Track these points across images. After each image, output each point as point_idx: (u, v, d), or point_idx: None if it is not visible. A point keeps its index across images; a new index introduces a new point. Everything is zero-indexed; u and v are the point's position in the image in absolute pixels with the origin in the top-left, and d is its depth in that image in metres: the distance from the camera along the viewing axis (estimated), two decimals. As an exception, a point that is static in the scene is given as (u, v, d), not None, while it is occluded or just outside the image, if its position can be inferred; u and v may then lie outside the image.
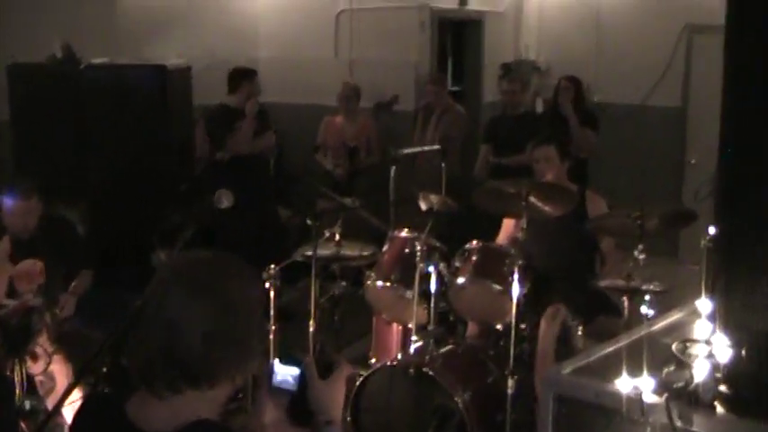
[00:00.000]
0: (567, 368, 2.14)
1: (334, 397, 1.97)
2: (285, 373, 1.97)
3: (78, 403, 2.04)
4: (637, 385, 1.99)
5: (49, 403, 4.34)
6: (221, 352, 1.82)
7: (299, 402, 1.96)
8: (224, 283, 1.86)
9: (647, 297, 4.06)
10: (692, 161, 8.26)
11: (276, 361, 1.97)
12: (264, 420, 1.92)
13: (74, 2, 7.12)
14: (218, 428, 1.87)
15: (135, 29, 7.55)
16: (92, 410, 2.00)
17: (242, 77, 6.96)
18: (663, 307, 3.85)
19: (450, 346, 4.53)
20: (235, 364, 1.86)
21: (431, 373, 4.14)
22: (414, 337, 4.47)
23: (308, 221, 4.81)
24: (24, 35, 6.68)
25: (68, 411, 4.23)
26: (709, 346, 2.22)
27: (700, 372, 2.11)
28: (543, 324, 3.25)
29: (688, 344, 2.31)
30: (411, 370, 4.20)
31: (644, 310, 4.04)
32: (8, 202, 4.87)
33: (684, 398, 2.00)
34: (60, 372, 4.38)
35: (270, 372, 1.97)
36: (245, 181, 6.56)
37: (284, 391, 1.96)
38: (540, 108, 8.69)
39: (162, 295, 1.84)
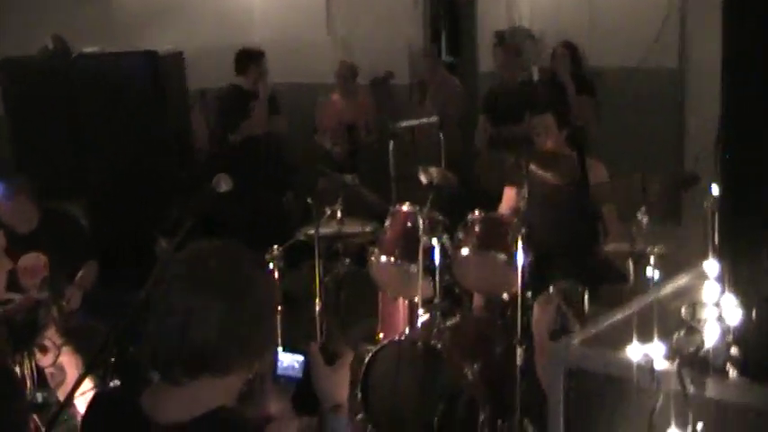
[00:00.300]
0: (576, 339, 2.13)
1: (339, 383, 1.98)
2: (290, 361, 1.97)
3: (89, 399, 2.04)
4: (647, 353, 1.98)
5: (60, 395, 4.35)
6: (238, 339, 1.83)
7: (304, 390, 1.96)
8: (237, 272, 1.87)
9: (651, 260, 4.06)
10: (693, 123, 8.21)
11: (280, 350, 1.97)
12: (269, 410, 1.92)
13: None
14: (235, 416, 1.88)
15: (129, 18, 7.53)
16: (104, 406, 2.00)
17: (249, 59, 6.98)
18: (668, 270, 3.85)
19: (456, 319, 4.53)
20: (251, 350, 1.87)
21: (439, 346, 4.14)
22: (420, 312, 4.47)
23: (309, 201, 4.80)
24: (17, 29, 6.66)
25: (80, 402, 4.27)
26: (719, 309, 2.21)
27: (710, 336, 2.09)
28: (536, 309, 3.25)
29: (697, 307, 2.29)
30: (419, 345, 4.20)
31: (649, 273, 4.05)
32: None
33: (696, 363, 1.99)
34: (70, 363, 4.39)
35: (274, 361, 1.97)
36: (258, 163, 6.60)
37: (289, 378, 1.96)
38: (536, 76, 8.64)
39: (175, 286, 1.84)
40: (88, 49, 6.43)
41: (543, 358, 3.11)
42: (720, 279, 2.28)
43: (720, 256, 2.36)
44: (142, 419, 1.86)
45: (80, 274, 4.98)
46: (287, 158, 7.36)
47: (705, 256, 2.78)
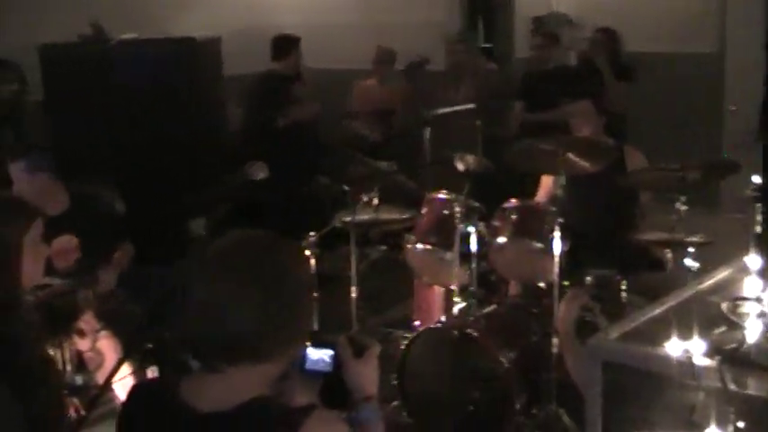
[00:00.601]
0: (614, 333, 2.11)
1: (369, 375, 2.00)
2: (319, 356, 1.99)
3: (128, 390, 2.07)
4: (687, 348, 1.97)
5: (99, 378, 4.40)
6: (276, 326, 1.85)
7: (334, 383, 1.98)
8: (275, 261, 1.89)
9: (690, 249, 4.02)
10: (733, 108, 8.11)
11: (308, 346, 1.99)
12: (297, 403, 1.94)
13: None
14: (277, 404, 1.90)
15: (162, 2, 7.56)
16: (143, 396, 2.02)
17: (290, 44, 7.08)
18: (706, 259, 3.81)
19: (492, 307, 4.53)
20: (289, 337, 1.89)
21: (474, 334, 4.15)
22: (456, 299, 4.47)
23: (345, 188, 4.80)
24: (53, 16, 6.72)
25: (118, 386, 4.31)
26: (761, 305, 2.19)
27: (752, 332, 2.07)
28: (562, 306, 3.24)
29: (738, 303, 2.27)
30: (454, 332, 4.21)
31: (687, 262, 4.01)
32: (20, 184, 4.80)
33: (737, 360, 1.96)
34: (108, 347, 4.43)
35: (302, 357, 1.99)
36: (294, 148, 6.65)
37: (319, 373, 1.98)
38: (573, 61, 8.56)
39: (214, 274, 1.87)
40: (126, 36, 6.46)
41: (570, 353, 3.12)
42: (762, 274, 2.26)
43: (762, 249, 2.33)
44: (182, 409, 1.87)
45: (115, 255, 4.98)
46: (321, 144, 7.39)
47: (744, 247, 2.75)
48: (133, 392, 2.04)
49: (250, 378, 1.87)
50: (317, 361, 2.00)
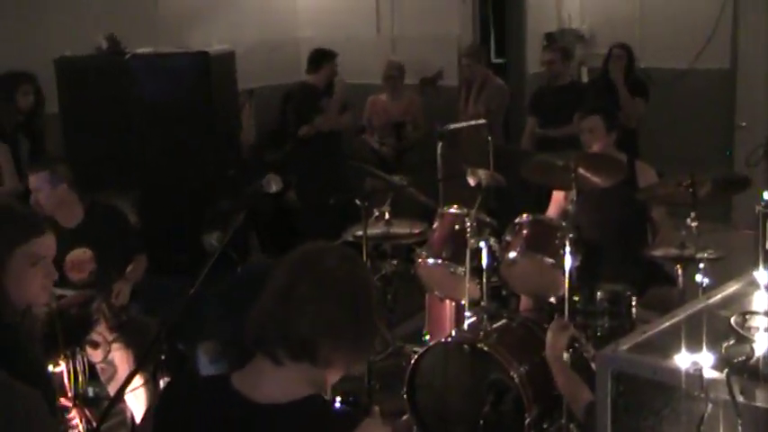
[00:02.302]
0: (625, 345, 2.13)
1: None
2: None
3: (163, 385, 2.10)
4: (696, 361, 1.98)
5: (111, 390, 4.42)
6: (344, 340, 1.93)
7: None
8: (352, 275, 1.96)
9: (701, 265, 4.02)
10: (743, 124, 8.12)
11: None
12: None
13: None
14: (329, 406, 1.99)
15: (177, 16, 7.62)
16: (186, 387, 2.08)
17: (323, 58, 7.31)
18: (718, 275, 3.81)
19: (504, 321, 4.53)
20: (352, 351, 1.96)
21: (486, 348, 4.15)
22: (467, 313, 4.48)
23: (358, 202, 4.82)
24: (69, 29, 6.78)
25: (130, 398, 4.33)
26: (769, 319, 2.20)
27: (760, 345, 2.08)
28: (550, 335, 3.28)
29: (747, 316, 2.28)
30: (466, 346, 4.21)
31: (699, 278, 4.02)
32: (40, 194, 4.80)
33: (746, 372, 1.98)
34: (121, 359, 4.45)
35: None
36: (322, 158, 6.76)
37: None
38: (585, 77, 8.60)
39: (306, 275, 1.93)
40: (141, 50, 6.52)
41: (560, 376, 3.15)
42: (772, 288, 2.27)
43: (771, 263, 2.34)
44: (235, 398, 1.92)
45: (129, 268, 4.99)
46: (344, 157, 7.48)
47: (755, 262, 2.75)
48: (173, 384, 2.09)
49: (306, 377, 1.92)
50: None
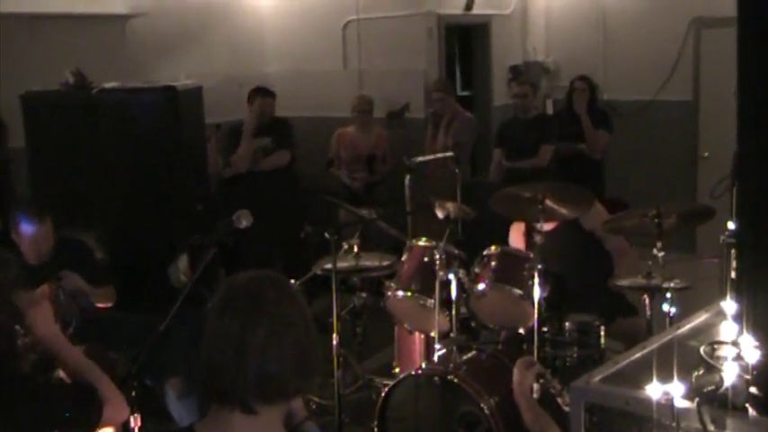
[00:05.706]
0: (597, 376, 2.15)
1: None
2: None
3: None
4: (667, 391, 2.00)
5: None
6: (306, 364, 1.91)
7: None
8: (295, 302, 1.95)
9: (668, 294, 4.06)
10: (706, 155, 8.24)
11: None
12: None
13: (84, 28, 7.20)
14: None
15: (144, 51, 7.62)
16: None
17: (254, 94, 7.16)
18: (684, 304, 3.86)
19: (473, 353, 4.54)
20: (312, 373, 1.95)
21: (456, 380, 4.15)
22: (437, 346, 4.49)
23: (327, 235, 4.81)
24: (36, 63, 6.75)
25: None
26: (737, 348, 2.23)
27: (729, 374, 2.11)
28: (516, 372, 3.32)
29: (716, 346, 2.31)
30: (436, 378, 4.21)
31: (665, 307, 4.05)
32: (26, 228, 4.84)
33: (716, 402, 2.00)
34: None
35: None
36: (258, 198, 6.61)
37: None
38: (550, 110, 8.69)
39: (239, 320, 1.87)
40: (108, 85, 6.50)
41: (528, 413, 3.18)
42: (738, 318, 2.30)
43: (738, 294, 2.38)
44: None
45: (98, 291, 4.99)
46: (303, 191, 7.41)
47: (721, 291, 2.79)
48: None
49: (279, 416, 1.93)
50: None
